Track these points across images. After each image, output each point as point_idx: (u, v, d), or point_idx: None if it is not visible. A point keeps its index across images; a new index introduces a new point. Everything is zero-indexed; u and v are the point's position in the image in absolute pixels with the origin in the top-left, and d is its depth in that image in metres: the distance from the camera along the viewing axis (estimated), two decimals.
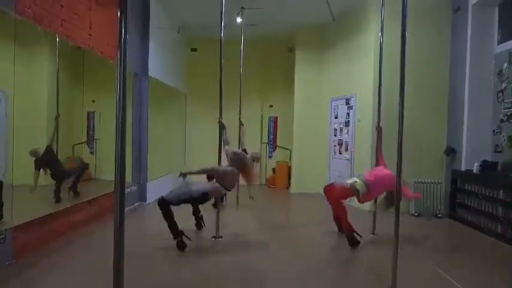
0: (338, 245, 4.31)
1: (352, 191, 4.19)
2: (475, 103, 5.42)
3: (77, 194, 4.54)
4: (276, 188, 8.69)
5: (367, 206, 5.74)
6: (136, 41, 5.97)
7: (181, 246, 3.85)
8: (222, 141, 4.46)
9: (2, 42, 3.29)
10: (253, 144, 9.01)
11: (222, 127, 4.46)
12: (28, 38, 3.57)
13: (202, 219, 4.71)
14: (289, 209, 6.79)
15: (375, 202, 4.63)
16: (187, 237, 3.94)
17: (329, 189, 4.48)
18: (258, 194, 7.95)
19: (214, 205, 5.52)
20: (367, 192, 4.15)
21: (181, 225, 3.94)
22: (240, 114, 6.34)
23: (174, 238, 3.88)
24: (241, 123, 5.98)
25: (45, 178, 4.16)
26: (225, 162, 4.32)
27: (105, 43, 4.89)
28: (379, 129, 4.56)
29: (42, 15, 3.59)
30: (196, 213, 4.69)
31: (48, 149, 4.18)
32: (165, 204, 3.87)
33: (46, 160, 4.15)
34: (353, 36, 6.82)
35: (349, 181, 4.29)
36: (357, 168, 6.53)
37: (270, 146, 9.33)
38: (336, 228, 4.67)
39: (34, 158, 3.98)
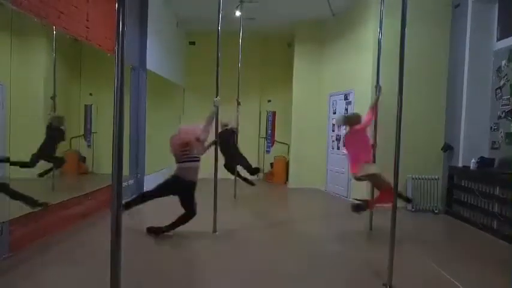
0: (335, 240, 4.33)
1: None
2: (473, 100, 5.43)
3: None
4: (273, 182, 8.70)
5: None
6: (135, 34, 5.93)
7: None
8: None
9: None
10: (251, 138, 9.03)
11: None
12: (25, 30, 3.54)
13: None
14: (287, 204, 6.81)
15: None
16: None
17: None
18: (256, 188, 7.98)
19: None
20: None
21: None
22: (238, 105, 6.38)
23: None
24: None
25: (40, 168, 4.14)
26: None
27: (102, 36, 4.85)
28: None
29: (39, 6, 3.55)
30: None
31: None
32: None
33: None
34: (352, 32, 6.80)
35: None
36: None
37: (268, 141, 9.33)
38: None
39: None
